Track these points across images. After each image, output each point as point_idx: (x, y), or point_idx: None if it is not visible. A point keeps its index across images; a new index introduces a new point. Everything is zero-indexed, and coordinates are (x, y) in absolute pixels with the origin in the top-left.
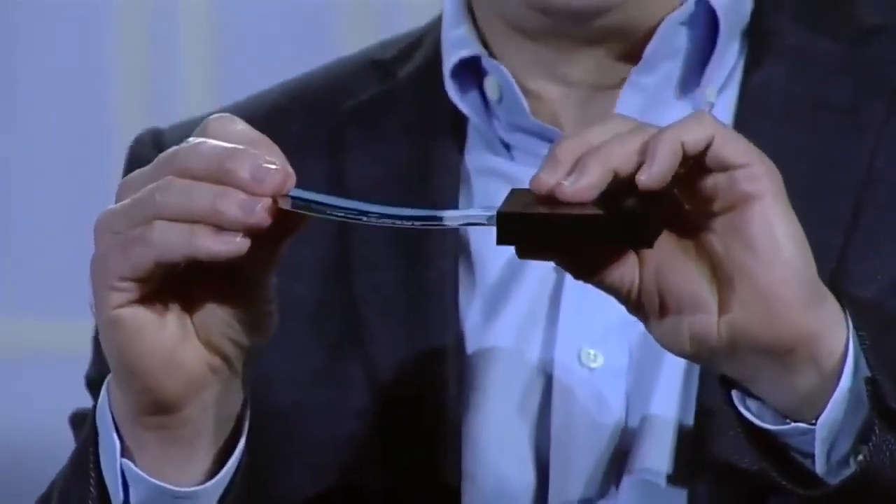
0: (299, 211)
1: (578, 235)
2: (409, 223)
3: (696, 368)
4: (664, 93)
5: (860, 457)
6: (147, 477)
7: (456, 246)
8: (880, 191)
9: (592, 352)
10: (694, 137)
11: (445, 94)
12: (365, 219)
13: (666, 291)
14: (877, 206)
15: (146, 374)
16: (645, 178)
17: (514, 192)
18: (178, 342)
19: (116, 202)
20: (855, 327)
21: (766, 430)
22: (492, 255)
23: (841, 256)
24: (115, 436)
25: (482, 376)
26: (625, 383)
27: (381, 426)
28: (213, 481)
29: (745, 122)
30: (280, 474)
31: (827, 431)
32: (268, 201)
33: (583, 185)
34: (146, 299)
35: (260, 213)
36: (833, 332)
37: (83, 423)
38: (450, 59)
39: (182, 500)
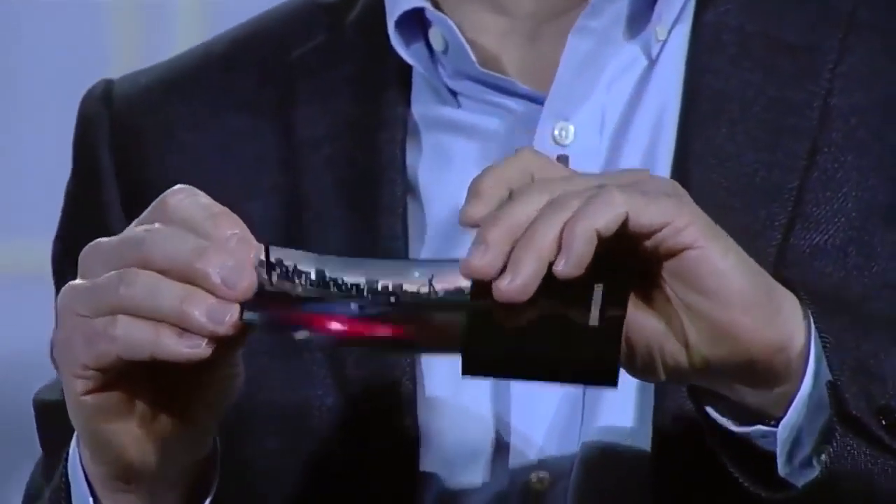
0: (262, 328)
1: (542, 376)
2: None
3: None
4: (613, 34)
5: (823, 456)
6: None
7: (405, 197)
8: (836, 131)
9: None
10: (606, 223)
11: (390, 43)
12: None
13: (633, 333)
14: (833, 147)
15: (116, 449)
16: (561, 269)
17: (474, 287)
18: (146, 419)
19: (80, 265)
20: (816, 327)
21: (731, 433)
22: (440, 206)
23: (798, 199)
24: (88, 496)
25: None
26: None
27: (338, 389)
28: None
29: (698, 60)
30: (248, 443)
31: (788, 433)
32: (236, 312)
33: (520, 286)
34: (112, 385)
35: (228, 325)
36: (795, 336)
37: (48, 414)
38: (394, 12)
39: None
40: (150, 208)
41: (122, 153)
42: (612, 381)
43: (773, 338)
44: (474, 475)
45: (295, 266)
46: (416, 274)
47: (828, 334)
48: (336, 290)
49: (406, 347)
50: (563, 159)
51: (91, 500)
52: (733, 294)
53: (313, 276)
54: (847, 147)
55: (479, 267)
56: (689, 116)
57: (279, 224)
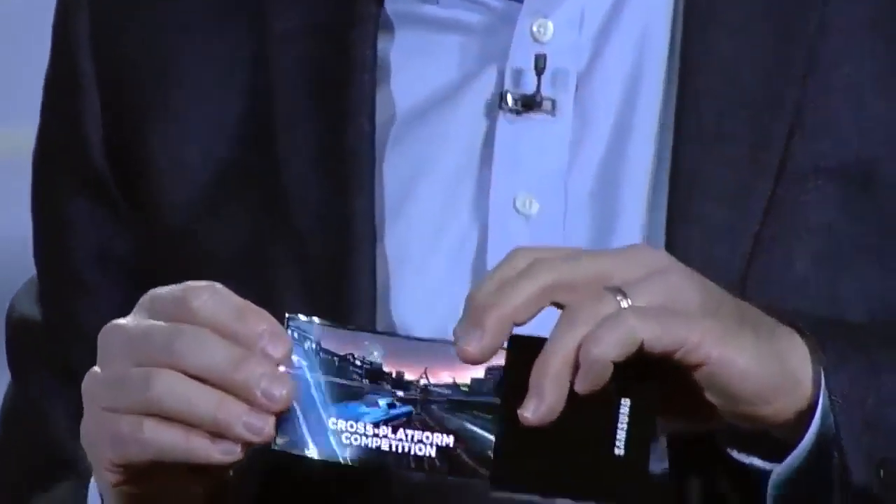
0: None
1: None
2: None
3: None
4: None
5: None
6: None
7: (373, 94)
8: (835, 38)
9: (528, 199)
10: (619, 352)
11: None
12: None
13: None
14: (831, 56)
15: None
16: (580, 388)
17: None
18: (177, 489)
19: (100, 348)
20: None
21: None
22: (414, 98)
23: (798, 108)
24: None
25: (410, 233)
26: (563, 230)
27: (305, 293)
28: None
29: None
30: None
31: (782, 476)
32: (272, 422)
33: (545, 412)
34: (143, 475)
35: (266, 435)
36: (805, 388)
37: (24, 333)
38: None
39: None
40: (172, 300)
41: (102, 52)
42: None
43: (792, 408)
44: None
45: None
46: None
47: (836, 388)
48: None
49: (434, 470)
50: (540, 58)
51: None
52: (755, 394)
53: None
54: (844, 57)
55: (474, 354)
56: (688, 22)
57: (249, 122)
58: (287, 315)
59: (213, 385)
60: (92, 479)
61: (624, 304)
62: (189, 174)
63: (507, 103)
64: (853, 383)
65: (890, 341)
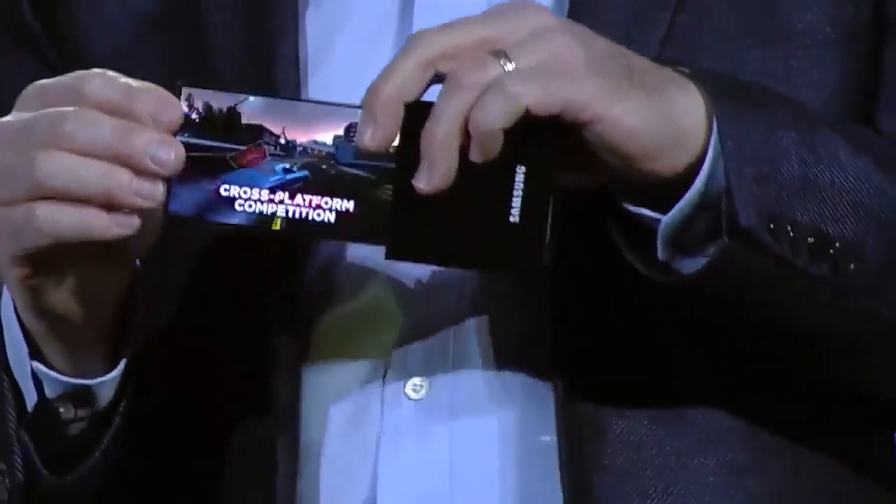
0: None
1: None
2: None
3: None
4: None
5: (710, 250)
6: (59, 376)
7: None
8: None
9: None
10: (505, 119)
11: None
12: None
13: None
14: None
15: (47, 302)
16: (474, 158)
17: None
18: (73, 273)
19: None
20: (718, 128)
21: (631, 216)
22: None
23: None
24: (21, 336)
25: (332, 79)
26: None
27: None
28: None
29: None
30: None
31: (670, 225)
32: (162, 189)
33: (437, 181)
34: (47, 261)
35: (156, 198)
36: (696, 139)
37: None
38: None
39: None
40: (62, 89)
41: None
42: (539, 272)
43: (683, 161)
44: None
45: (210, 108)
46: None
47: (729, 136)
48: (251, 139)
49: (332, 235)
50: None
51: (25, 346)
52: (644, 152)
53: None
54: None
55: (371, 146)
56: None
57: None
58: (178, 81)
59: (102, 160)
60: (4, 291)
61: (509, 67)
62: (110, 27)
63: None
64: (747, 135)
65: (793, 105)
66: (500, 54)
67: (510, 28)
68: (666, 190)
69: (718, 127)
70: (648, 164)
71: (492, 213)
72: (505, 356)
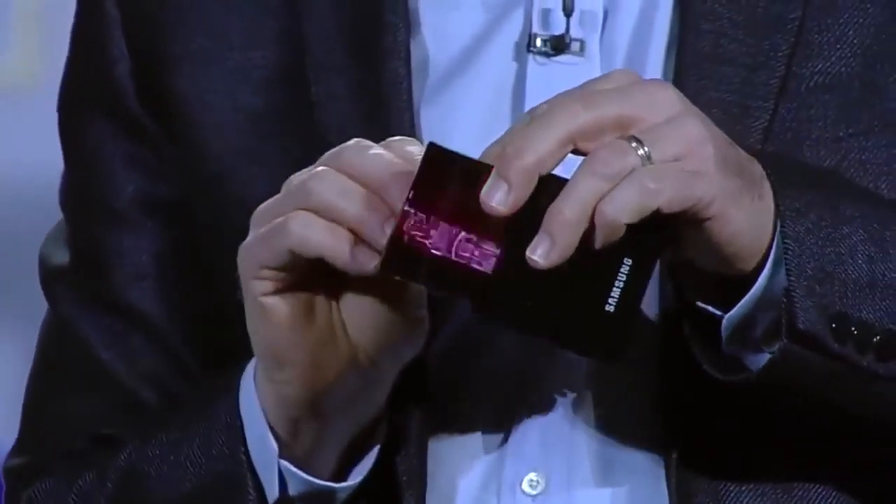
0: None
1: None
2: None
3: None
4: None
5: (775, 346)
6: (304, 475)
7: (407, 40)
8: None
9: None
10: (634, 215)
11: None
12: None
13: None
14: None
15: (294, 369)
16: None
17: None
18: (325, 336)
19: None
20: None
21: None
22: (442, 47)
23: (800, 28)
24: (269, 434)
25: None
26: None
27: None
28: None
29: None
30: None
31: (734, 321)
32: None
33: (555, 258)
34: (291, 289)
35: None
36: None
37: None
38: None
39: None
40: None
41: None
42: (615, 361)
43: (757, 255)
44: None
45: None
46: None
47: (791, 236)
48: None
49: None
50: None
51: (274, 443)
52: (742, 250)
53: None
54: None
55: (500, 209)
56: None
57: (283, 71)
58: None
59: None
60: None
61: (641, 151)
62: (219, 121)
63: (535, 45)
64: (811, 232)
65: (866, 197)
66: (636, 140)
67: (644, 108)
68: (731, 286)
69: (781, 225)
70: (740, 264)
71: (589, 297)
72: (616, 436)
